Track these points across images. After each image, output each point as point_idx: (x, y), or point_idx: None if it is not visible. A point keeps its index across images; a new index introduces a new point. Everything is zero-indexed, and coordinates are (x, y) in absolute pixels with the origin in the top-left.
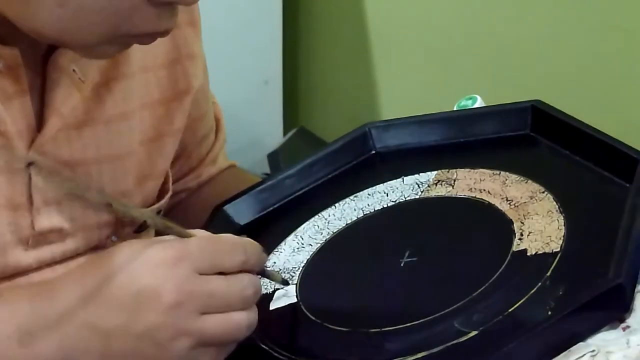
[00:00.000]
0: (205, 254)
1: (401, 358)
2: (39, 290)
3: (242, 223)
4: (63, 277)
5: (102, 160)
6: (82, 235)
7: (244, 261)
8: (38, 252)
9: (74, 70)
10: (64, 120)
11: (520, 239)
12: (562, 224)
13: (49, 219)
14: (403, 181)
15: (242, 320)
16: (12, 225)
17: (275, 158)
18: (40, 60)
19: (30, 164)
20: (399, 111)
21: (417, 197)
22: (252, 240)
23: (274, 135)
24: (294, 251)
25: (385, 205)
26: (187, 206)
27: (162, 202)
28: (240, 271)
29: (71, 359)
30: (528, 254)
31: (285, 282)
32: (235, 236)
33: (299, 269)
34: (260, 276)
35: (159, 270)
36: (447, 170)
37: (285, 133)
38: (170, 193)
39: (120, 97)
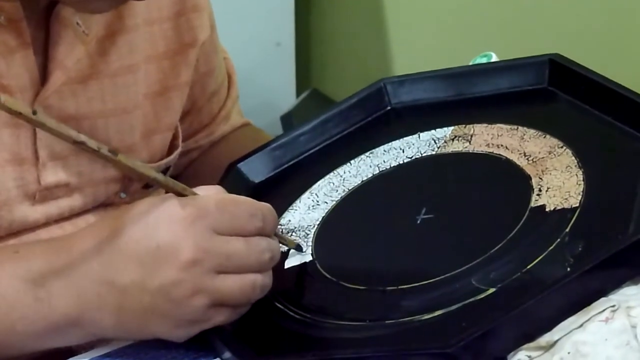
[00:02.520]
0: (224, 214)
1: (418, 316)
2: (55, 245)
3: (256, 181)
4: (79, 232)
5: (108, 113)
6: (90, 190)
7: (261, 227)
8: (45, 207)
9: (77, 23)
10: (68, 73)
11: (538, 195)
12: (581, 179)
13: (55, 174)
14: (419, 137)
15: (257, 281)
16: (18, 180)
17: (288, 120)
18: (43, 13)
19: (34, 113)
20: (413, 71)
21: (434, 153)
22: (269, 206)
23: (286, 98)
24: (309, 209)
25: (401, 162)
26: (200, 165)
27: (171, 157)
28: (258, 235)
29: (87, 314)
30: (547, 209)
31: (299, 248)
32: (254, 200)
33: (314, 226)
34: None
35: (177, 226)
36: (464, 125)
37: (298, 95)
38: (179, 149)
39: (125, 50)
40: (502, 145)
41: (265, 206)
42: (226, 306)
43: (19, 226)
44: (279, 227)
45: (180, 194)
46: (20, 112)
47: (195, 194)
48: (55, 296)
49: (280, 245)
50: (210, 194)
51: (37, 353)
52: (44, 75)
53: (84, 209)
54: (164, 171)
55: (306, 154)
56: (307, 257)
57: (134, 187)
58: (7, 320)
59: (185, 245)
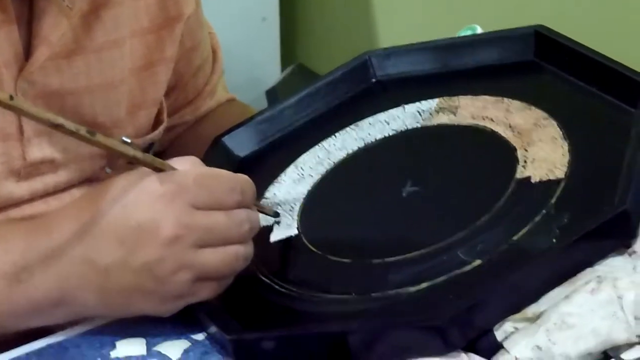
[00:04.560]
0: (202, 189)
1: (404, 289)
2: (35, 225)
3: (241, 155)
4: (59, 211)
5: (94, 89)
6: (75, 166)
7: (240, 200)
8: (30, 183)
9: None
10: (53, 48)
11: (524, 167)
12: (567, 150)
13: (40, 150)
14: (404, 110)
15: (240, 252)
16: (3, 156)
17: (273, 95)
18: None
19: (11, 98)
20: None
21: (419, 125)
22: (247, 178)
23: (271, 73)
24: (295, 182)
25: (386, 135)
26: (186, 140)
27: (156, 132)
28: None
29: (69, 294)
30: (532, 181)
31: (276, 214)
32: (232, 173)
33: (299, 200)
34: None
35: (157, 204)
36: (449, 97)
37: (283, 70)
38: (164, 124)
39: (110, 25)
40: (487, 117)
41: (244, 178)
42: (210, 279)
43: (3, 202)
44: (264, 200)
45: (159, 170)
46: None
47: (173, 169)
48: (36, 277)
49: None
50: (187, 167)
51: (19, 332)
52: (28, 50)
53: (69, 185)
54: (149, 146)
55: (291, 128)
56: (293, 231)
57: (120, 162)
58: None
59: (166, 222)
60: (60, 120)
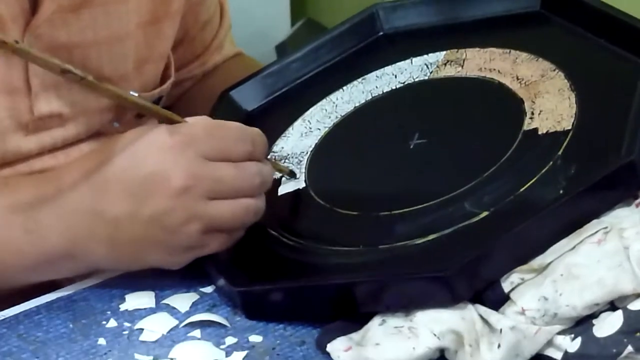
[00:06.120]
0: (212, 140)
1: (411, 241)
2: (44, 178)
3: (248, 109)
4: (68, 164)
5: (101, 42)
6: (83, 120)
7: (251, 151)
8: (38, 137)
9: None
10: (59, 2)
11: (531, 118)
12: (574, 102)
13: (47, 104)
14: (412, 62)
15: (250, 205)
16: (10, 110)
17: (283, 50)
18: None
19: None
20: None
21: (426, 78)
22: (258, 130)
23: (281, 27)
24: (302, 136)
25: (393, 87)
26: (193, 96)
27: (164, 87)
28: (248, 160)
29: (78, 245)
30: (539, 132)
31: (293, 174)
32: (243, 125)
33: (307, 153)
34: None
35: (165, 154)
36: (456, 50)
37: (292, 24)
38: (172, 79)
39: None
40: (494, 69)
41: (255, 130)
42: (220, 231)
43: (12, 156)
44: (271, 154)
45: (168, 121)
46: (4, 41)
47: (183, 121)
48: (45, 227)
49: (275, 172)
50: (198, 121)
51: (28, 286)
52: (35, 4)
53: (77, 139)
54: (157, 101)
55: (298, 81)
56: (301, 184)
57: (128, 116)
58: None
59: (175, 172)
60: (68, 66)
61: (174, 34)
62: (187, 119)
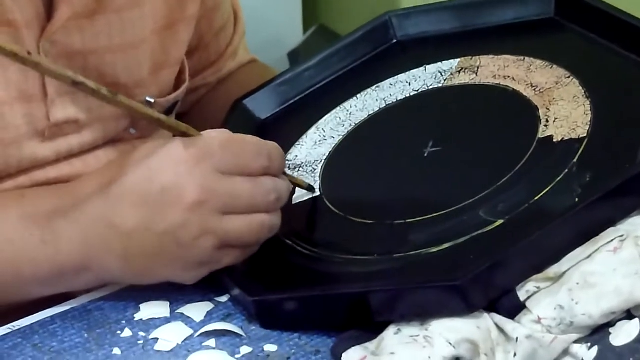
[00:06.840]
0: (228, 154)
1: (425, 249)
2: (61, 190)
3: (262, 117)
4: (84, 177)
5: (115, 49)
6: (99, 126)
7: (267, 166)
8: (54, 144)
9: None
10: (74, 8)
11: (545, 126)
12: (589, 109)
13: (64, 110)
14: (425, 70)
15: (265, 221)
16: (27, 117)
17: (295, 56)
18: None
19: (29, 54)
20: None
21: (440, 85)
22: (276, 144)
23: (293, 34)
24: (316, 144)
25: (407, 95)
26: (208, 102)
27: (179, 92)
28: (264, 175)
29: (93, 257)
30: (554, 140)
31: (311, 188)
32: (260, 139)
33: (321, 161)
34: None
35: (181, 167)
36: (470, 57)
37: (305, 31)
38: (187, 83)
39: None
40: (508, 77)
41: (272, 145)
42: (234, 247)
43: (28, 163)
44: (286, 162)
45: (184, 134)
46: (16, 53)
47: (199, 134)
48: (61, 238)
49: (291, 187)
50: (213, 134)
51: (43, 299)
52: (50, 10)
53: (93, 145)
54: (172, 106)
55: (312, 89)
56: (315, 192)
57: (144, 123)
58: (13, 264)
59: (190, 186)
60: (80, 78)
61: (189, 38)
62: (204, 132)
